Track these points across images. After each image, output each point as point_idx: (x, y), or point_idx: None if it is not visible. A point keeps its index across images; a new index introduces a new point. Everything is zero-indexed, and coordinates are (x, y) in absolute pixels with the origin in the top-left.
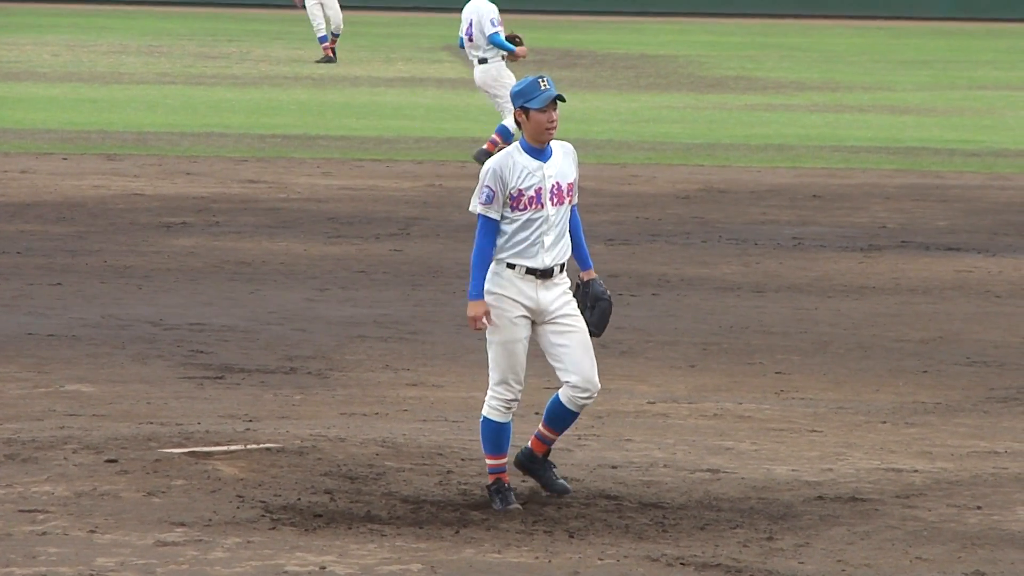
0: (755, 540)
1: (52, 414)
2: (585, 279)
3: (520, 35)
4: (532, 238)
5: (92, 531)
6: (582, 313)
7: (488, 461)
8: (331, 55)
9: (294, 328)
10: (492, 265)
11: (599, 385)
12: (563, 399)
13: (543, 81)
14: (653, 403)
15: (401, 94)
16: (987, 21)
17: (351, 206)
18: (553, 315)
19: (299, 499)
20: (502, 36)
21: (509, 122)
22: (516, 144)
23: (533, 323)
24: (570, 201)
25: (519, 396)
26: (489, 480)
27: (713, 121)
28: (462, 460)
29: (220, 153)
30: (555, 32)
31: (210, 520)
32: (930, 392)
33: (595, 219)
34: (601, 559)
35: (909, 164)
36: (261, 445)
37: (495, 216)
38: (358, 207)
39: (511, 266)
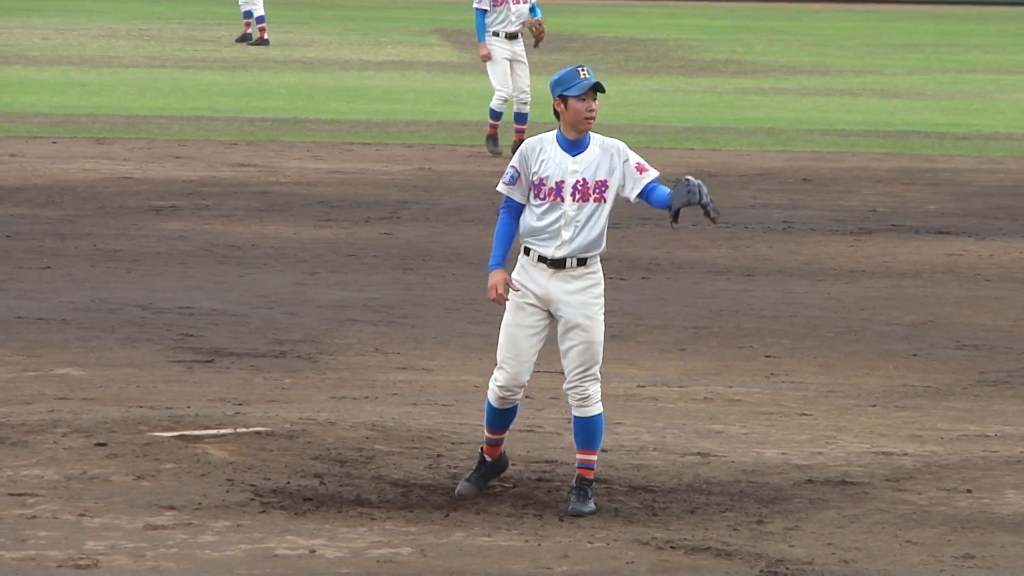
0: (745, 523)
1: (41, 398)
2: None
3: (540, 29)
4: (551, 229)
5: (82, 515)
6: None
7: (486, 434)
8: (250, 34)
9: (284, 312)
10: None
11: (590, 390)
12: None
13: (583, 70)
14: (643, 387)
15: (391, 78)
16: (977, 5)
17: (341, 190)
18: (560, 311)
19: (289, 483)
20: (483, 16)
21: (493, 103)
22: (553, 132)
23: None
24: (597, 199)
25: (517, 391)
26: (482, 450)
27: (703, 105)
28: (452, 444)
29: (210, 137)
30: (545, 15)
31: (200, 504)
32: (920, 375)
33: None
34: (591, 542)
35: (899, 148)
36: (251, 429)
37: (517, 199)
38: (348, 191)
39: (527, 251)
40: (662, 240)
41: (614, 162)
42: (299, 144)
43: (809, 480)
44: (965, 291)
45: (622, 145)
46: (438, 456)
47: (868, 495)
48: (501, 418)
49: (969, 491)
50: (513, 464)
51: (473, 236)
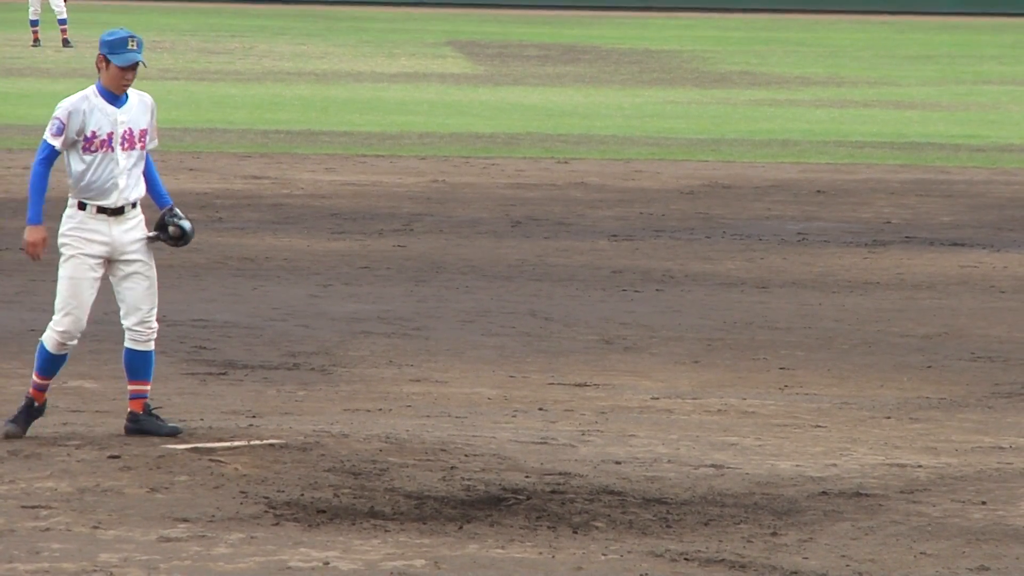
0: (759, 535)
1: (55, 410)
2: (163, 211)
3: None
4: (108, 179)
5: (95, 527)
6: (160, 233)
7: (35, 379)
8: (38, 40)
9: (297, 324)
10: (68, 207)
11: (155, 325)
12: (128, 343)
13: (132, 41)
14: (657, 399)
15: (404, 89)
16: (992, 16)
17: (354, 202)
18: (124, 255)
19: (302, 495)
20: None
21: None
22: (93, 87)
23: (109, 261)
24: (142, 147)
25: (76, 337)
26: (30, 394)
27: (717, 116)
28: (465, 456)
29: (223, 149)
30: (559, 27)
31: (213, 516)
32: (934, 387)
33: (599, 214)
34: (605, 555)
35: (914, 159)
36: (264, 441)
37: (60, 148)
38: (361, 203)
39: (83, 206)
40: (676, 252)
41: (149, 113)
42: (312, 156)
43: (823, 492)
44: (979, 303)
45: (152, 100)
46: (452, 468)
47: (882, 507)
48: (55, 364)
49: (983, 503)
50: (526, 476)
51: (487, 248)
